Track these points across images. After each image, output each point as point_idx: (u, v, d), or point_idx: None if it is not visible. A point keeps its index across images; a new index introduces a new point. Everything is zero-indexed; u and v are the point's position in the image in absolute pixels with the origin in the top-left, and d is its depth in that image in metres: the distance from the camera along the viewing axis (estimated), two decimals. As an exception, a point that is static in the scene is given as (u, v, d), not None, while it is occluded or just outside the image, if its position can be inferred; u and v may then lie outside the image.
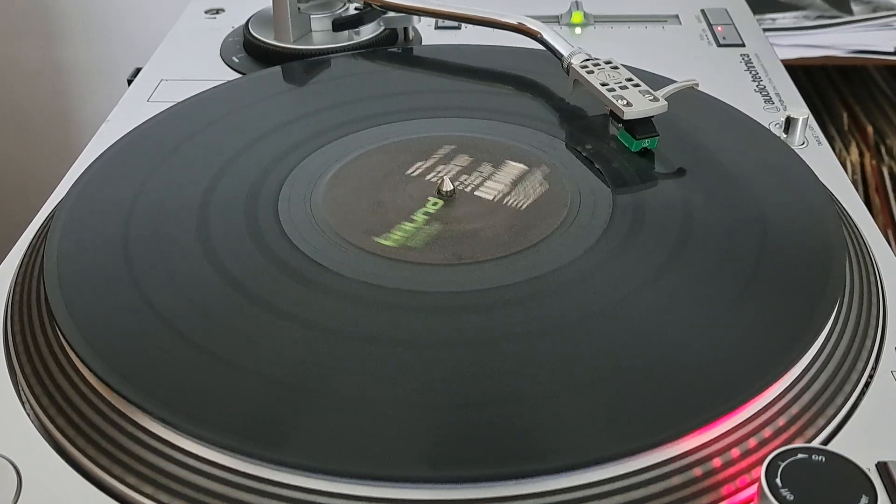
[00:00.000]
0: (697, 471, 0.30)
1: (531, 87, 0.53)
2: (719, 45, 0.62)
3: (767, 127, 0.49)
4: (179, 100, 0.52)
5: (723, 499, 0.29)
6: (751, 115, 0.50)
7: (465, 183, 0.44)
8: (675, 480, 0.30)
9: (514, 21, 0.55)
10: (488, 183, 0.44)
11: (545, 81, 0.53)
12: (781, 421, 0.32)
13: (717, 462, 0.30)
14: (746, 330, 0.35)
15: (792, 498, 0.27)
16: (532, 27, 0.54)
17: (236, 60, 0.59)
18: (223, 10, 0.68)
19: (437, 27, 0.64)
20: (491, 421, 0.31)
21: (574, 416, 0.31)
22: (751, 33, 0.64)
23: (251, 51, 0.60)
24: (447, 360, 0.34)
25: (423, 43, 0.62)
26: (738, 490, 0.29)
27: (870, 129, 0.83)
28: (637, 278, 0.37)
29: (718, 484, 0.30)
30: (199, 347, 0.34)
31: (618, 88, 0.47)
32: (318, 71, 0.56)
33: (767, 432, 0.31)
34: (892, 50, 0.82)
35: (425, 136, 0.48)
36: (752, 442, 0.31)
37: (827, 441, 0.32)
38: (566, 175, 0.44)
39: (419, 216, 0.41)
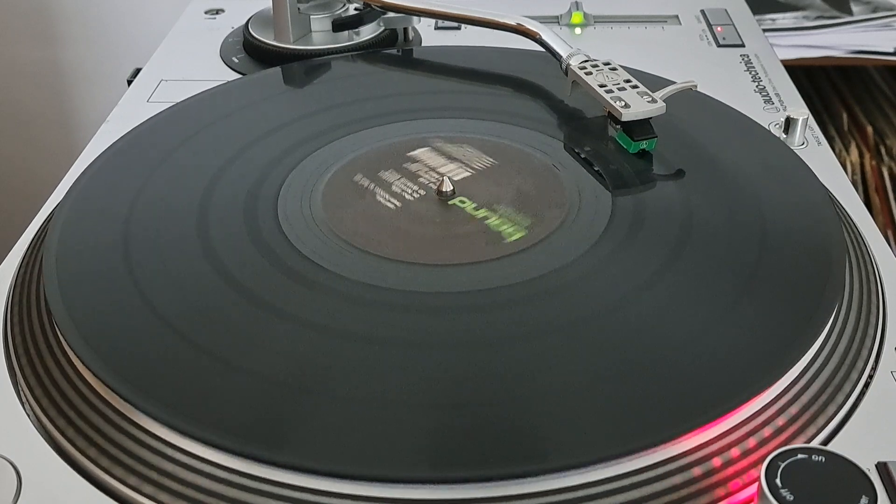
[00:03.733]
0: (697, 471, 0.30)
1: (530, 89, 0.53)
2: (719, 46, 0.62)
3: (767, 127, 0.49)
4: (179, 100, 0.53)
5: (722, 499, 0.29)
6: (750, 116, 0.50)
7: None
8: (675, 480, 0.30)
9: (512, 22, 0.55)
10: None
11: (544, 82, 0.53)
12: (781, 421, 0.32)
13: (716, 462, 0.30)
14: (746, 330, 0.35)
15: (792, 498, 0.27)
16: (531, 28, 0.54)
17: (236, 61, 0.59)
18: (223, 11, 0.68)
19: (436, 28, 0.64)
20: (491, 421, 0.31)
21: (574, 416, 0.31)
22: (750, 34, 0.64)
23: (251, 51, 0.60)
24: (447, 360, 0.34)
25: (422, 43, 0.62)
26: (737, 490, 0.29)
27: (869, 130, 0.83)
28: (637, 278, 0.37)
29: (718, 484, 0.30)
30: (198, 348, 0.34)
31: (616, 90, 0.47)
32: (318, 72, 0.56)
33: (767, 432, 0.31)
34: (891, 50, 0.82)
35: (425, 136, 0.48)
36: (752, 442, 0.31)
37: (827, 441, 0.32)
38: (565, 176, 0.45)
39: (481, 213, 0.42)
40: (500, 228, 0.41)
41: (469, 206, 0.42)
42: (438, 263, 0.39)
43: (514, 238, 0.40)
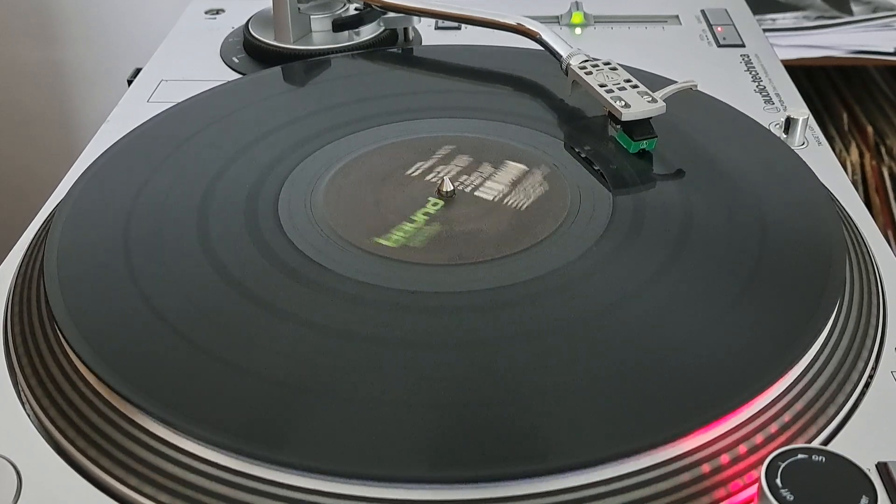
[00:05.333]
0: (697, 471, 0.30)
1: (530, 88, 0.53)
2: (719, 46, 0.62)
3: (767, 127, 0.49)
4: (179, 100, 0.53)
5: (722, 499, 0.29)
6: (751, 116, 0.50)
7: (465, 183, 0.44)
8: (676, 481, 0.30)
9: (513, 22, 0.55)
10: (488, 183, 0.44)
11: (544, 82, 0.53)
12: (781, 421, 0.32)
13: (716, 462, 0.30)
14: (746, 330, 0.35)
15: (792, 498, 0.27)
16: (531, 28, 0.54)
17: (236, 61, 0.59)
18: (223, 11, 0.68)
19: (436, 27, 0.64)
20: (491, 421, 0.31)
21: (574, 416, 0.31)
22: (751, 34, 0.64)
23: (251, 51, 0.60)
24: (447, 360, 0.34)
25: (423, 43, 0.62)
26: (737, 490, 0.29)
27: (870, 130, 0.83)
28: (637, 278, 0.37)
29: (718, 484, 0.30)
30: (198, 347, 0.34)
31: (616, 89, 0.47)
32: (318, 71, 0.56)
33: (767, 432, 0.31)
34: (892, 50, 0.82)
35: (425, 136, 0.48)
36: (752, 442, 0.31)
37: (827, 441, 0.32)
38: (566, 176, 0.45)
39: (419, 216, 0.42)
40: (399, 234, 0.40)
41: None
42: (438, 263, 0.39)
43: (385, 243, 0.39)
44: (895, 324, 0.37)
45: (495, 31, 0.56)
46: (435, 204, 0.42)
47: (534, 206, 0.42)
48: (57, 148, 1.04)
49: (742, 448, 0.31)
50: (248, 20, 0.62)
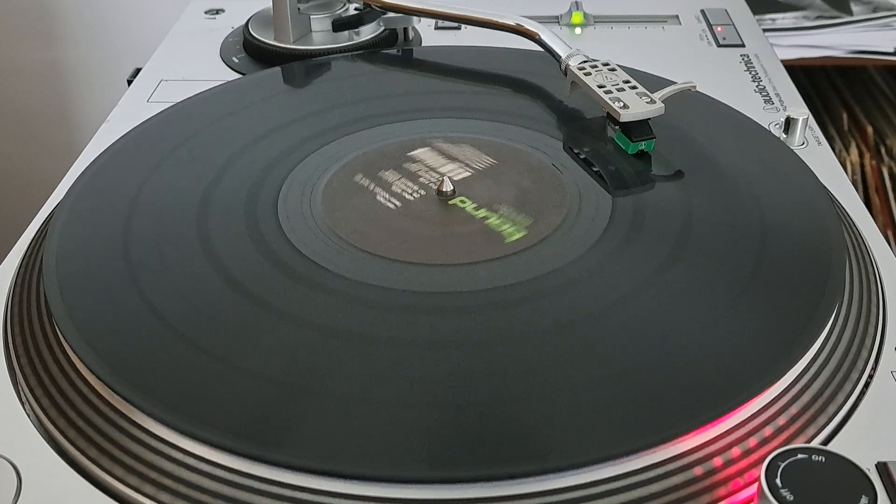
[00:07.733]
0: (697, 470, 0.30)
1: (529, 89, 0.53)
2: (719, 46, 0.62)
3: (767, 127, 0.49)
4: (179, 100, 0.53)
5: (722, 499, 0.29)
6: (750, 116, 0.50)
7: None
8: (675, 480, 0.30)
9: (512, 22, 0.55)
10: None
11: (544, 82, 0.53)
12: (781, 421, 0.32)
13: (717, 462, 0.30)
14: (746, 330, 0.35)
15: (792, 498, 0.27)
16: (530, 28, 0.54)
17: (236, 61, 0.59)
18: (223, 11, 0.68)
19: (436, 28, 0.64)
20: (491, 421, 0.31)
21: (574, 416, 0.31)
22: (751, 34, 0.64)
23: (251, 51, 0.60)
24: (447, 360, 0.34)
25: (422, 43, 0.62)
26: (738, 489, 0.30)
27: (869, 130, 0.83)
28: (637, 278, 0.37)
29: (718, 484, 0.30)
30: (198, 347, 0.34)
31: (615, 90, 0.47)
32: (318, 72, 0.56)
33: (767, 432, 0.31)
34: (891, 50, 0.82)
35: (425, 137, 0.48)
36: (752, 442, 0.31)
37: (827, 441, 0.32)
38: (565, 176, 0.45)
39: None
40: (500, 228, 0.41)
41: (469, 206, 0.42)
42: (438, 263, 0.39)
43: (514, 238, 0.40)
44: (895, 324, 0.37)
45: (495, 31, 0.56)
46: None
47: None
48: (57, 147, 1.04)
49: (742, 448, 0.31)
50: (248, 20, 0.62)
